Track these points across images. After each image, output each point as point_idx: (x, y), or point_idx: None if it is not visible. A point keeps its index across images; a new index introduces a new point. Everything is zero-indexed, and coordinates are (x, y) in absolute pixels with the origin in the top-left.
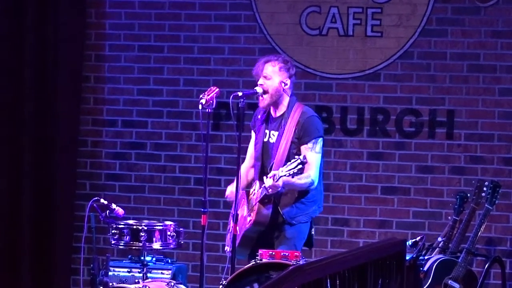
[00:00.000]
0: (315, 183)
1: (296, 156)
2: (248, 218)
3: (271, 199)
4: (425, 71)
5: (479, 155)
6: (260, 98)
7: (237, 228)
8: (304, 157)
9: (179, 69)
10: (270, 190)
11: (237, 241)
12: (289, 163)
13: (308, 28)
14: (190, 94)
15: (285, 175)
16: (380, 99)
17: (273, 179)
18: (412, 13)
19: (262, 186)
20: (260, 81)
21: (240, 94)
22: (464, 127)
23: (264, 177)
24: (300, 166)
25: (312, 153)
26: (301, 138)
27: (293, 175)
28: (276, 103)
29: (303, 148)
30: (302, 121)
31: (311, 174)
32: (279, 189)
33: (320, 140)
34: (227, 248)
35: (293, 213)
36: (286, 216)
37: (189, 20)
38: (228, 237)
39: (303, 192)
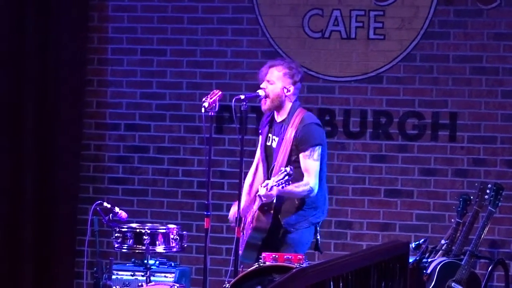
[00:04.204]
0: (315, 191)
1: (282, 168)
2: (251, 224)
3: (271, 206)
4: (428, 74)
5: (482, 158)
6: (263, 101)
7: (244, 231)
8: (291, 169)
9: (181, 73)
10: (264, 199)
11: (243, 245)
12: (278, 173)
13: (311, 31)
14: (192, 97)
15: (275, 186)
16: (383, 102)
17: (266, 189)
18: (414, 15)
19: (257, 195)
20: (263, 85)
21: (242, 97)
22: (467, 130)
23: (259, 186)
24: (287, 177)
25: (310, 160)
26: (299, 145)
27: (283, 185)
28: (278, 108)
29: (301, 156)
30: (300, 128)
31: (310, 182)
32: (273, 198)
33: (318, 148)
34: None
35: (292, 221)
36: (286, 224)
37: (191, 23)
38: (241, 241)
39: (303, 199)
